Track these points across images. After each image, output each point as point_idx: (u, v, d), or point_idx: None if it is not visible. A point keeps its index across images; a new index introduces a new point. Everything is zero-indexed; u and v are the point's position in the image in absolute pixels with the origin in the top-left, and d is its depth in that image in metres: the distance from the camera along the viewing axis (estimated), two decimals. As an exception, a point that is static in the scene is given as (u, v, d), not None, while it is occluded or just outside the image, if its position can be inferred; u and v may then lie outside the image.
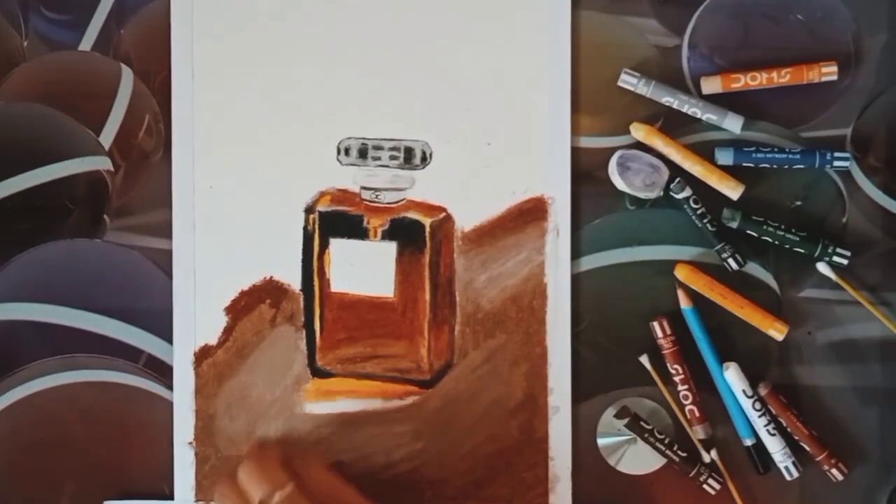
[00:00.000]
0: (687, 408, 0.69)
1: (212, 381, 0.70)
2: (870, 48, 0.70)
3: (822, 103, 0.70)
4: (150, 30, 0.71)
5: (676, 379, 0.68)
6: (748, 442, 0.69)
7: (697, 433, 0.69)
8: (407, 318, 0.70)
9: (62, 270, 0.71)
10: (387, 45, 0.70)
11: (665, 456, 0.68)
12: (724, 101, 0.69)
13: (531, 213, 0.69)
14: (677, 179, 0.68)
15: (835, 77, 0.68)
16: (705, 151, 0.69)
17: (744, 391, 0.68)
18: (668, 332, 0.68)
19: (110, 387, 0.71)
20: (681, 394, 0.69)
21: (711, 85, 0.69)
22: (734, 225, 0.68)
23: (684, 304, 0.68)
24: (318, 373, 0.70)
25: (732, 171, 0.68)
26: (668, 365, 0.68)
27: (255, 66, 0.70)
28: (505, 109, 0.70)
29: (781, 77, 0.68)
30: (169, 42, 0.70)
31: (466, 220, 0.70)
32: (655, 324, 0.68)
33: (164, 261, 0.70)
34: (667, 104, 0.69)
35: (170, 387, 0.70)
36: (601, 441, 0.69)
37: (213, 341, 0.70)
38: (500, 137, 0.70)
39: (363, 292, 0.70)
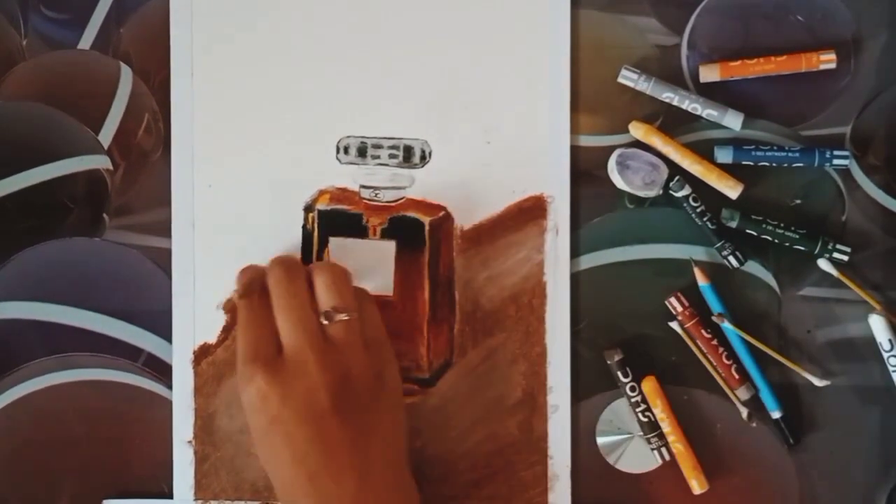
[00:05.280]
0: (732, 369, 0.68)
1: (211, 379, 0.70)
2: (869, 48, 0.70)
3: (821, 102, 0.70)
4: (149, 29, 0.71)
5: (709, 346, 0.68)
6: (776, 415, 0.69)
7: (741, 395, 0.68)
8: (406, 316, 0.70)
9: (61, 269, 0.71)
10: (386, 43, 0.70)
11: (632, 411, 0.69)
12: (723, 98, 0.69)
13: (530, 212, 0.69)
14: (676, 178, 0.68)
15: (833, 65, 0.68)
16: (704, 150, 0.69)
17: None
18: (686, 304, 0.68)
19: (110, 386, 0.71)
20: (722, 357, 0.68)
21: (710, 73, 0.69)
22: (733, 225, 0.68)
23: (701, 280, 0.68)
24: (317, 371, 0.70)
25: (732, 170, 0.68)
26: (694, 337, 0.68)
27: (255, 64, 0.70)
28: (504, 108, 0.70)
29: (779, 63, 0.68)
30: (168, 41, 0.70)
31: (466, 218, 0.70)
32: (673, 300, 0.68)
33: (163, 260, 0.70)
34: (667, 100, 0.69)
35: (169, 386, 0.70)
36: (600, 440, 0.69)
37: (213, 340, 0.70)
38: (499, 136, 0.70)
39: (362, 291, 0.70)
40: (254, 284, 0.64)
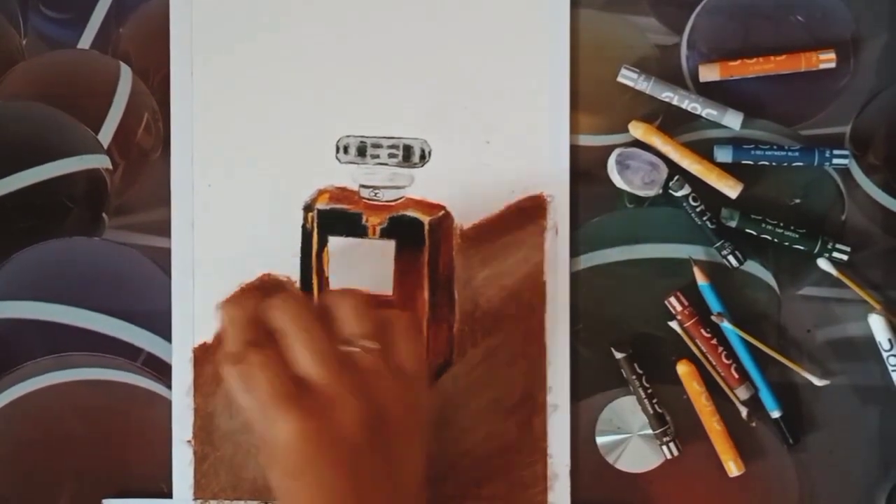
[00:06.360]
0: (731, 369, 0.68)
1: (210, 379, 0.70)
2: (869, 48, 0.70)
3: (821, 101, 0.70)
4: (149, 28, 0.71)
5: (708, 346, 0.68)
6: (775, 414, 0.69)
7: (741, 394, 0.68)
8: (406, 316, 0.70)
9: (61, 269, 0.71)
10: (386, 42, 0.70)
11: (642, 406, 0.68)
12: (723, 98, 0.69)
13: (530, 212, 0.69)
14: (676, 177, 0.68)
15: (833, 65, 0.68)
16: (704, 149, 0.69)
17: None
18: (686, 303, 0.68)
19: (109, 385, 0.71)
20: (722, 357, 0.68)
21: (709, 73, 0.69)
22: (733, 224, 0.68)
23: (701, 280, 0.68)
24: (316, 371, 0.70)
25: (731, 169, 0.68)
26: (693, 337, 0.68)
27: (255, 64, 0.70)
28: (504, 108, 0.70)
29: (778, 63, 0.68)
30: (168, 40, 0.70)
31: (465, 218, 0.70)
32: (672, 299, 0.68)
33: (162, 259, 0.70)
34: (666, 100, 0.69)
35: (168, 385, 0.70)
36: (600, 439, 0.69)
37: (212, 339, 0.70)
38: (499, 136, 0.70)
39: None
40: (251, 334, 0.59)
